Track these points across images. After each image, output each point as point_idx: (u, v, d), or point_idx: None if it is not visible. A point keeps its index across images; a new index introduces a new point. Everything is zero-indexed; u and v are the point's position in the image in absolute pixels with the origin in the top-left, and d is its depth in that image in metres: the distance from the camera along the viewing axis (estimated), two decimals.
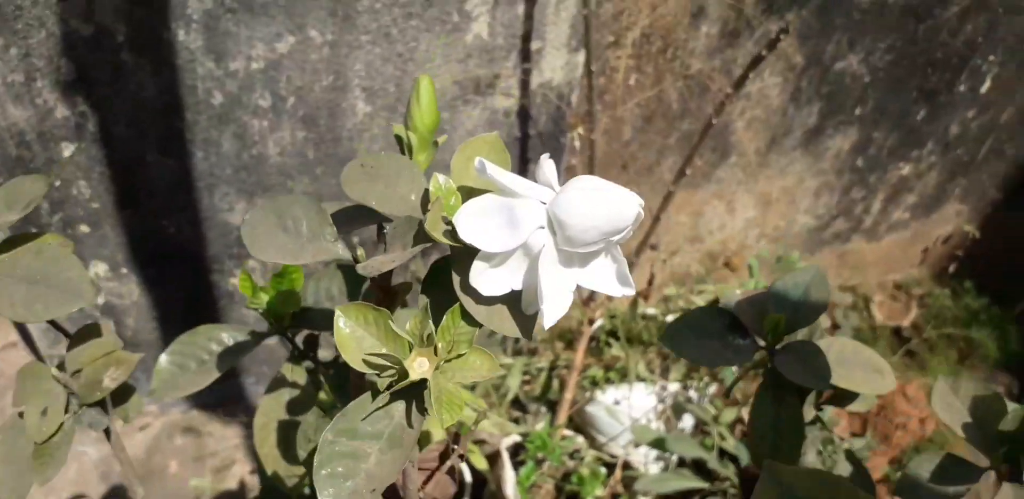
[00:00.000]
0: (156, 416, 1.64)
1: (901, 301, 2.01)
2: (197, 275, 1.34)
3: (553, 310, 0.39)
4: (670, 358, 1.65)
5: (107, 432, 0.60)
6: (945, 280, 2.05)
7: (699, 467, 1.51)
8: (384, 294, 0.45)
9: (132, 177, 1.15)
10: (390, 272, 0.45)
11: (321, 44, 1.05)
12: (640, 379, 1.59)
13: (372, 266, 0.39)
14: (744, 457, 1.48)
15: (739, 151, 1.55)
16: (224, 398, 1.61)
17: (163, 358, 0.64)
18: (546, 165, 0.40)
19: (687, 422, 1.60)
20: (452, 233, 0.39)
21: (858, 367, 0.56)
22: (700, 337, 0.53)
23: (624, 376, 1.60)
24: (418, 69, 1.12)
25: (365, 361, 0.41)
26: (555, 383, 1.62)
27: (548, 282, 0.38)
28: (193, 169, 1.17)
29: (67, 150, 1.09)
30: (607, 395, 1.55)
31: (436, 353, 0.41)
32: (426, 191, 0.42)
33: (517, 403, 1.60)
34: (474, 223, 0.38)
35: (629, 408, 1.53)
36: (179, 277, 1.33)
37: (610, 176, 1.48)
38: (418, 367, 0.39)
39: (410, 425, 0.40)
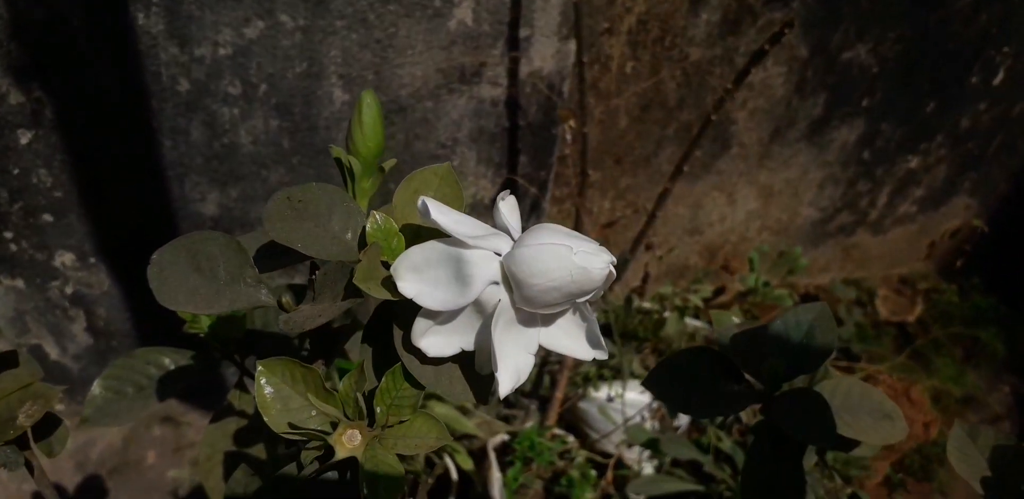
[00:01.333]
0: None
1: (906, 296, 1.96)
2: None
3: (509, 377, 0.32)
4: (665, 354, 1.60)
5: (29, 467, 0.54)
6: (952, 275, 1.99)
7: (694, 467, 1.47)
8: (319, 340, 0.39)
9: (96, 166, 1.09)
10: None
11: (293, 29, 0.98)
12: (634, 376, 1.53)
13: (295, 322, 0.33)
14: (740, 458, 1.43)
15: (740, 142, 1.48)
16: (204, 387, 1.56)
17: (97, 383, 0.58)
18: (505, 206, 0.34)
19: (682, 419, 1.55)
20: (392, 283, 0.33)
21: (865, 413, 0.50)
22: (688, 383, 0.47)
23: (617, 373, 1.55)
24: (398, 56, 1.05)
25: (291, 425, 0.35)
26: (546, 379, 1.56)
27: (503, 345, 0.32)
28: (161, 158, 1.10)
29: (24, 138, 1.02)
30: (600, 392, 1.50)
31: (373, 420, 0.35)
32: (364, 229, 0.35)
33: (506, 399, 1.55)
34: (415, 276, 0.32)
35: (623, 405, 1.48)
36: None
37: (604, 168, 1.41)
38: (348, 441, 0.33)
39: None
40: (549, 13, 1.07)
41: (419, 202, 0.33)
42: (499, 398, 0.32)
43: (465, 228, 0.32)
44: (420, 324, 0.33)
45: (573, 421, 1.53)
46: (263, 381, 0.35)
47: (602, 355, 0.34)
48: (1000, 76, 1.59)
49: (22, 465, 0.50)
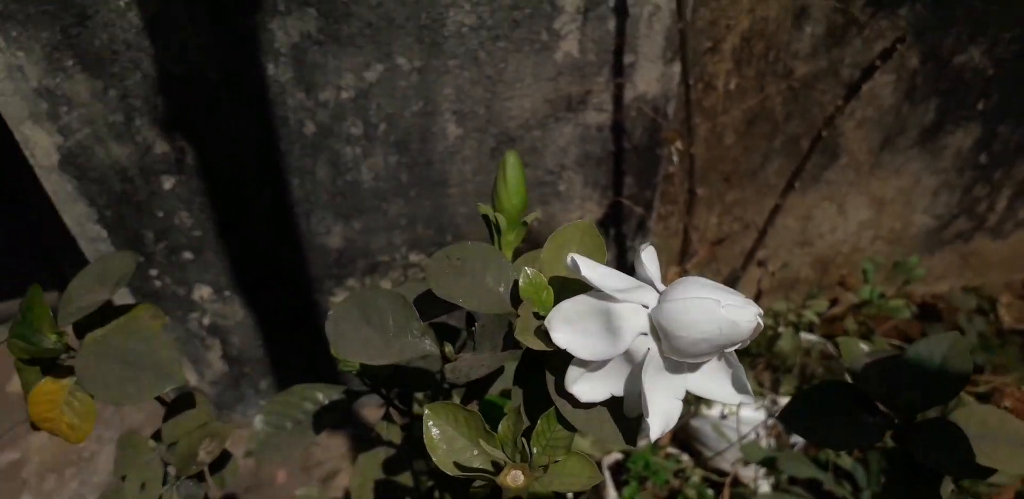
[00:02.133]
0: None
1: None
2: (298, 295, 1.35)
3: (660, 422, 0.35)
4: (780, 370, 1.58)
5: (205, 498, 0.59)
6: None
7: (813, 485, 1.44)
8: (473, 383, 0.43)
9: (231, 206, 1.17)
10: None
11: (409, 71, 1.03)
12: None
13: (461, 371, 0.36)
14: (860, 476, 1.40)
15: (849, 152, 1.46)
16: None
17: (259, 419, 0.63)
18: (646, 257, 0.36)
19: (799, 437, 1.53)
20: (544, 333, 0.36)
21: (1003, 442, 0.50)
22: (823, 415, 0.48)
23: None
24: (508, 89, 1.09)
25: (457, 466, 0.38)
26: None
27: (653, 392, 0.35)
28: (290, 196, 1.17)
29: (167, 183, 1.11)
30: (713, 409, 1.49)
31: (531, 459, 0.38)
32: (516, 282, 0.38)
33: None
34: (568, 328, 0.35)
35: (737, 423, 1.47)
36: (281, 298, 1.35)
37: (709, 184, 1.41)
38: (512, 481, 0.37)
39: None
40: (653, 39, 1.10)
41: (568, 259, 0.35)
42: (651, 441, 0.35)
43: (612, 282, 0.35)
44: (573, 372, 0.36)
45: (686, 439, 1.53)
46: (430, 423, 0.39)
47: (748, 400, 0.36)
48: None
49: (202, 496, 0.55)
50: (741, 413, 1.45)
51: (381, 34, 0.99)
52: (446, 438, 0.39)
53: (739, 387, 0.36)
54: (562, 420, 0.37)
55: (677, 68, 1.15)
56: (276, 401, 0.63)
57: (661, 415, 0.35)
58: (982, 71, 1.42)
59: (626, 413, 0.37)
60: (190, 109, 1.03)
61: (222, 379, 1.46)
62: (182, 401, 0.56)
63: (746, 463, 1.45)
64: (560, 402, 0.37)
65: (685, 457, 1.47)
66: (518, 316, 0.36)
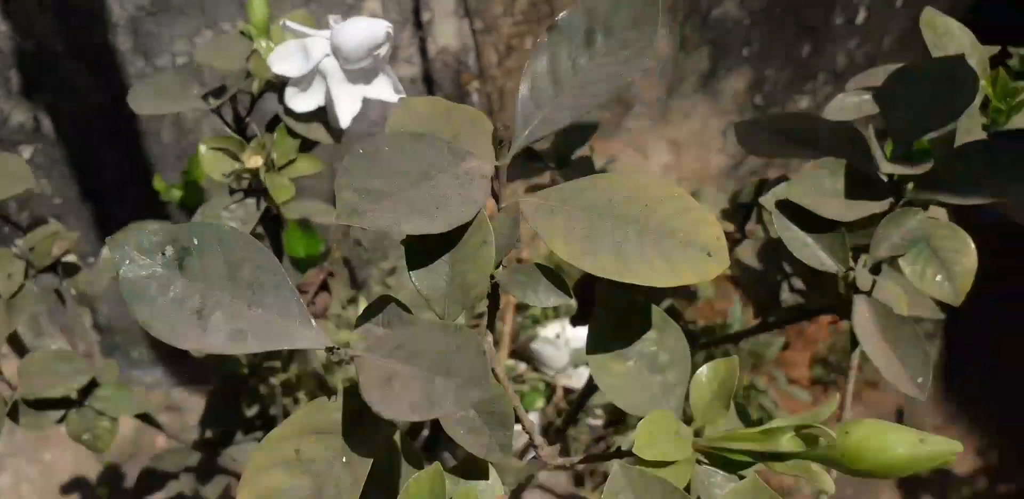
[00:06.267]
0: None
1: None
2: None
3: (345, 112, 0.54)
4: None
5: (60, 295, 0.74)
6: None
7: None
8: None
9: (88, 172, 1.30)
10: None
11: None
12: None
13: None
14: (736, 318, 1.57)
15: (641, 100, 1.70)
16: (200, 375, 1.71)
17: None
18: (332, 21, 0.55)
19: None
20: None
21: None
22: None
23: (557, 312, 1.70)
24: None
25: (224, 174, 0.56)
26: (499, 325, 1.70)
27: (338, 92, 0.53)
28: (140, 160, 1.31)
29: (26, 152, 1.24)
30: (548, 330, 1.63)
31: (273, 162, 0.56)
32: (253, 51, 0.57)
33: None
34: (280, 59, 0.53)
35: (566, 341, 1.61)
36: None
37: None
38: (253, 163, 0.54)
39: (257, 208, 0.55)
40: None
41: (281, 23, 0.54)
42: (339, 127, 0.53)
43: (307, 30, 0.54)
44: (289, 90, 0.54)
45: (528, 360, 1.66)
46: (203, 149, 0.56)
47: (403, 95, 0.55)
48: (862, 14, 1.80)
49: (58, 286, 0.70)
50: (568, 332, 1.60)
51: (207, 2, 1.16)
52: (216, 159, 0.56)
53: (396, 89, 0.55)
54: (292, 132, 0.56)
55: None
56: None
57: (346, 108, 0.53)
58: (740, 21, 1.68)
59: (331, 123, 0.56)
60: (42, 81, 1.18)
61: (93, 348, 1.55)
62: (37, 224, 0.71)
63: (576, 366, 1.58)
64: (287, 119, 0.55)
65: (523, 366, 1.61)
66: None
